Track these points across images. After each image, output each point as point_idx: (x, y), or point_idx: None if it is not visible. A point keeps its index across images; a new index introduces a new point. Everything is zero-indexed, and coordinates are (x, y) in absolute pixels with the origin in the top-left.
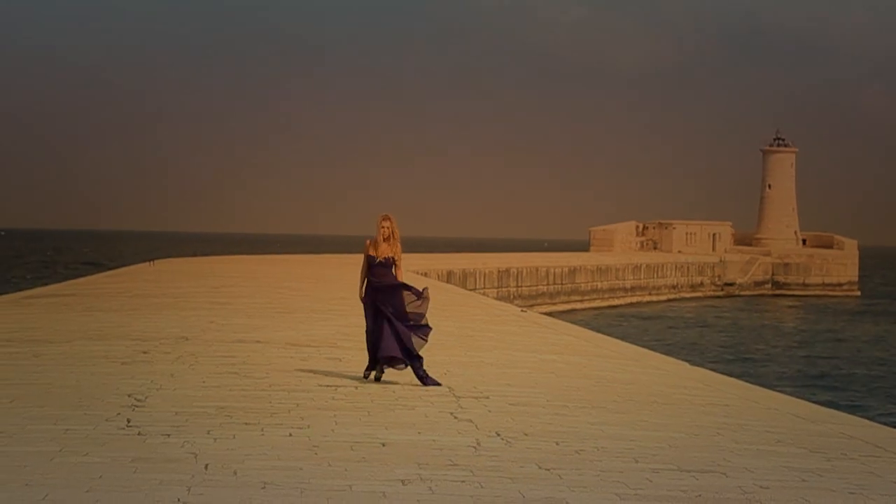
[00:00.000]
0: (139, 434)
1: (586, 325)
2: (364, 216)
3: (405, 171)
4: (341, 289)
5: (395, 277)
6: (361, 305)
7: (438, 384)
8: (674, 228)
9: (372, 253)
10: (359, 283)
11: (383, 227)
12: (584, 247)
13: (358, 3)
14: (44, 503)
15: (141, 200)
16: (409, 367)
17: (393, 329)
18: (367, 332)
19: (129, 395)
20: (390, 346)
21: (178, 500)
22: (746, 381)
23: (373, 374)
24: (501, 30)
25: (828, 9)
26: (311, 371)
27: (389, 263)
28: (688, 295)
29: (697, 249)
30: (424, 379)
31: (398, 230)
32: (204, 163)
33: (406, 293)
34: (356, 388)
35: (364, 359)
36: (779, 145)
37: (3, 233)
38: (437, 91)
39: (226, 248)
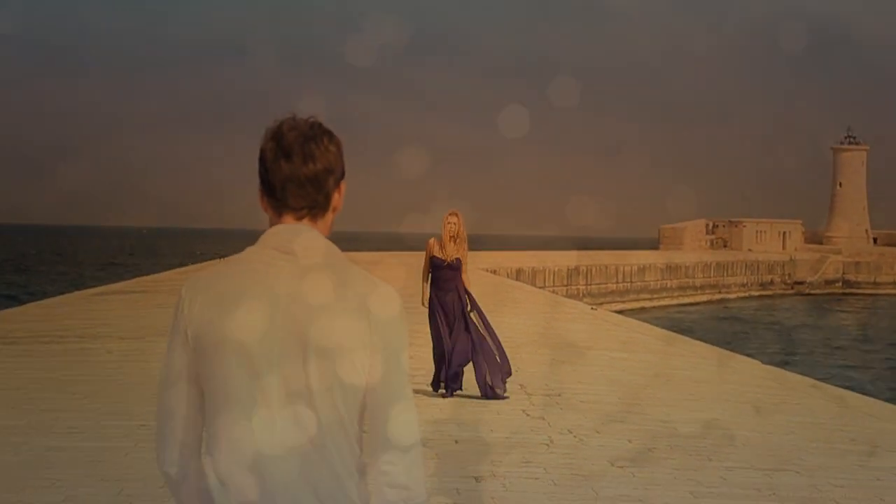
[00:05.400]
0: None
1: (656, 322)
2: (429, 214)
3: (477, 169)
4: (410, 286)
5: (462, 282)
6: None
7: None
8: (744, 227)
9: (438, 254)
10: (421, 287)
11: (450, 224)
12: (653, 245)
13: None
14: (119, 497)
15: (221, 198)
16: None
17: (464, 338)
18: (433, 340)
19: None
20: (462, 357)
21: None
22: (818, 379)
23: (441, 390)
24: (569, 19)
25: None
26: None
27: (457, 266)
28: (757, 293)
29: (767, 248)
30: (485, 390)
31: (464, 230)
32: None
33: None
34: (429, 385)
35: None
36: (850, 143)
37: (145, 231)
38: (508, 87)
39: None
